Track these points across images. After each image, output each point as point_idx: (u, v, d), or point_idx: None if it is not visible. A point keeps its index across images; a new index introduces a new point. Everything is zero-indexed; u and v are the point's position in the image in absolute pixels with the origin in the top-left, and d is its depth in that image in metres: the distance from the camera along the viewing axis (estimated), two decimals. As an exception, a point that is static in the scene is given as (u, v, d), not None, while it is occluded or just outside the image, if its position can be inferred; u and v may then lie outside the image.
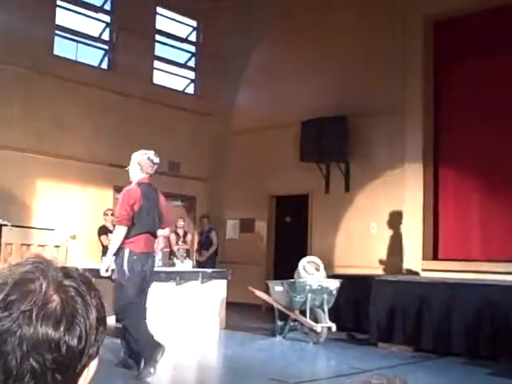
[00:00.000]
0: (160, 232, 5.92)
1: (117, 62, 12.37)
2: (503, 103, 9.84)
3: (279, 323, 8.34)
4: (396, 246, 10.57)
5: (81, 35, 12.14)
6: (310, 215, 12.01)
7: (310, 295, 7.92)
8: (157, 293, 7.86)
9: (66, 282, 0.93)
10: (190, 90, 14.14)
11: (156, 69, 13.34)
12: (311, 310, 7.97)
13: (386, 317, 7.71)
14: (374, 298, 7.95)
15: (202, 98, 13.77)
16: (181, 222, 11.39)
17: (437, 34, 10.74)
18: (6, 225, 9.88)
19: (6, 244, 9.67)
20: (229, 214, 13.28)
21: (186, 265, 10.39)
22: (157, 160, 5.85)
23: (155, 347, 5.52)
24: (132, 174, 5.83)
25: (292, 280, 8.31)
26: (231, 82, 13.54)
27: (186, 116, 13.28)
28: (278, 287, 8.30)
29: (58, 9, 11.59)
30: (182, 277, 8.43)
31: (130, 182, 5.84)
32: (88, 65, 12.17)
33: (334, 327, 7.87)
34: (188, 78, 14.16)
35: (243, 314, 10.35)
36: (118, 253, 5.62)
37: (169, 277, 8.23)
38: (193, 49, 14.20)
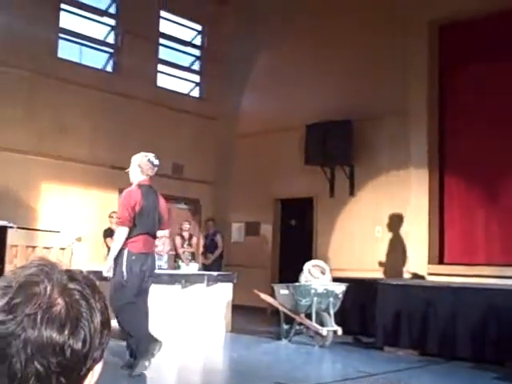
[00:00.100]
0: (160, 233, 6.00)
1: (121, 65, 12.40)
2: (508, 106, 9.82)
3: (285, 326, 8.32)
4: (401, 250, 10.54)
5: (85, 38, 12.17)
6: (314, 218, 12.00)
7: (315, 299, 7.90)
8: (162, 296, 7.87)
9: (71, 285, 0.93)
10: (195, 93, 14.16)
11: (160, 72, 13.36)
12: (317, 313, 7.95)
13: (392, 320, 7.69)
14: (379, 301, 7.92)
15: (206, 102, 13.79)
16: (186, 225, 11.39)
17: (441, 38, 10.73)
18: (11, 227, 9.90)
19: (12, 246, 9.69)
20: (234, 217, 13.28)
21: (192, 268, 10.38)
22: (157, 162, 5.93)
23: (151, 341, 5.60)
24: (132, 175, 5.91)
25: (297, 283, 8.30)
26: (236, 86, 13.55)
27: (190, 119, 13.30)
28: (283, 290, 8.29)
29: (62, 12, 11.63)
30: (187, 280, 8.43)
31: (131, 184, 5.89)
32: (92, 68, 12.20)
33: (339, 331, 7.86)
34: (192, 82, 14.18)
35: (249, 317, 10.34)
36: (118, 253, 5.69)
37: (174, 280, 8.23)
38: (197, 52, 14.22)
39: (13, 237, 9.73)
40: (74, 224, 11.01)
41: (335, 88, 11.71)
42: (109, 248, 9.83)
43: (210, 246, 11.79)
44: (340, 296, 8.08)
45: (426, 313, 7.44)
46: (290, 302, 8.12)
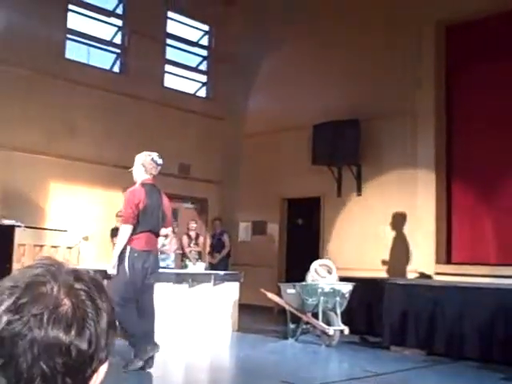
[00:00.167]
0: (163, 231, 6.08)
1: (128, 66, 12.44)
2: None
3: (291, 326, 8.32)
4: (408, 250, 10.51)
5: (93, 39, 12.21)
6: (321, 218, 12.00)
7: (322, 298, 7.90)
8: (169, 295, 7.89)
9: (77, 286, 0.93)
10: (202, 93, 14.18)
11: (167, 72, 13.39)
12: (324, 312, 7.95)
13: (399, 320, 7.67)
14: (386, 301, 7.91)
15: (213, 101, 13.80)
16: (193, 225, 11.41)
17: (449, 39, 10.69)
18: (19, 226, 9.95)
19: (19, 245, 9.74)
20: (241, 216, 13.29)
21: (199, 267, 10.39)
22: (160, 161, 5.99)
23: (149, 342, 5.63)
24: (136, 175, 5.98)
25: (304, 283, 8.29)
26: (243, 86, 13.56)
27: (197, 119, 13.31)
28: (290, 290, 8.29)
29: (70, 13, 11.67)
30: (194, 279, 8.45)
31: (135, 183, 5.97)
32: (100, 68, 12.24)
33: (346, 330, 7.84)
34: (199, 82, 14.20)
35: (255, 316, 10.34)
36: (121, 250, 5.75)
37: (181, 279, 8.25)
38: (204, 53, 14.23)
39: (20, 236, 9.78)
40: (82, 223, 11.05)
41: (342, 88, 11.69)
42: (116, 247, 9.88)
43: (216, 246, 11.80)
44: (347, 295, 8.07)
45: (433, 312, 7.42)
46: (297, 301, 8.12)
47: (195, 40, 14.11)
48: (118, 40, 12.63)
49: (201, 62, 14.22)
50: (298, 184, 12.09)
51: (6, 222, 9.96)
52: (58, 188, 11.10)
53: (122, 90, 11.95)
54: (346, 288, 8.11)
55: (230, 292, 8.86)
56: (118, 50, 12.66)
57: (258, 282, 10.25)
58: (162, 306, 7.19)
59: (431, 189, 10.40)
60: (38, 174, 10.77)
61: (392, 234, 10.80)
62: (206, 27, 14.14)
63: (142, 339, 5.67)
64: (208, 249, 12.08)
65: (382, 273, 10.54)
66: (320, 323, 7.89)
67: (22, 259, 9.41)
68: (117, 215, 10.38)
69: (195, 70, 14.16)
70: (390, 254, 10.74)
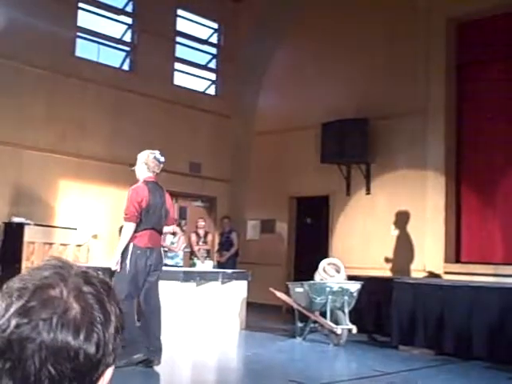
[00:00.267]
0: (165, 229, 6.14)
1: (138, 64, 12.46)
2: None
3: (299, 325, 8.32)
4: (417, 249, 10.48)
5: (103, 37, 12.24)
6: (330, 217, 11.98)
7: (330, 297, 7.88)
8: (177, 293, 7.91)
9: (86, 289, 0.92)
10: (211, 91, 14.18)
11: (177, 70, 13.40)
12: (332, 311, 7.93)
13: (408, 319, 7.65)
14: (395, 300, 7.88)
15: (223, 100, 13.80)
16: (201, 223, 11.41)
17: (459, 37, 10.62)
18: (28, 224, 10.00)
19: (29, 243, 9.79)
20: (250, 214, 13.29)
21: (207, 265, 10.40)
22: (162, 159, 6.05)
23: (139, 350, 5.61)
24: (139, 173, 6.05)
25: (312, 282, 8.28)
26: (252, 84, 13.56)
27: (206, 117, 13.33)
28: (298, 288, 8.28)
29: (80, 11, 11.70)
30: (202, 277, 8.46)
31: (138, 181, 6.03)
32: (110, 66, 12.26)
33: (354, 329, 7.82)
34: (209, 80, 14.20)
35: (263, 314, 10.35)
36: (125, 247, 5.79)
37: (189, 277, 8.26)
38: (214, 51, 14.23)
39: (30, 233, 9.83)
40: (91, 221, 11.09)
41: (351, 86, 11.67)
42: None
43: (225, 244, 11.81)
44: (355, 294, 8.06)
45: (441, 312, 7.38)
46: (305, 300, 8.11)
47: (205, 38, 14.12)
48: (127, 38, 12.65)
49: (210, 60, 14.22)
50: (307, 182, 12.08)
51: (16, 219, 10.03)
52: (67, 186, 11.14)
53: (131, 88, 11.98)
54: (355, 287, 8.09)
55: (238, 290, 8.87)
56: (128, 48, 12.69)
57: (266, 280, 10.25)
58: (170, 304, 7.21)
59: (441, 188, 10.35)
60: (49, 172, 10.81)
61: (401, 233, 10.77)
62: (215, 25, 14.14)
63: (136, 344, 5.65)
64: (216, 247, 12.10)
65: (390, 272, 10.52)
66: (328, 322, 7.87)
67: (32, 257, 9.45)
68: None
69: (205, 67, 14.17)
70: (399, 253, 10.71)
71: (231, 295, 8.78)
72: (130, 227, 5.76)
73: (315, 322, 8.19)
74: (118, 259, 5.77)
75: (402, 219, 10.75)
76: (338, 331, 7.78)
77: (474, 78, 10.47)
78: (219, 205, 13.58)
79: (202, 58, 14.14)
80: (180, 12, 13.38)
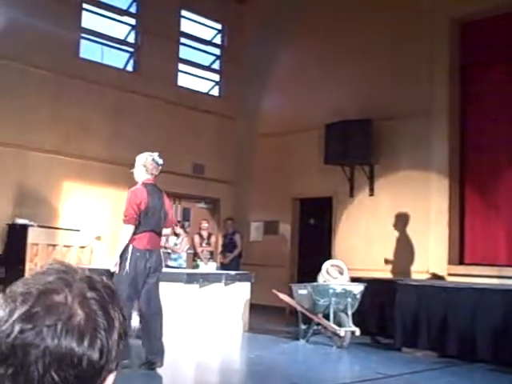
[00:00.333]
0: (165, 231, 6.17)
1: (142, 65, 12.47)
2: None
3: (302, 327, 8.30)
4: (420, 250, 10.46)
5: (106, 38, 12.25)
6: (333, 218, 11.96)
7: (333, 299, 7.87)
8: (180, 294, 7.91)
9: (90, 295, 0.92)
10: (215, 92, 14.18)
11: (181, 71, 13.41)
12: (335, 313, 7.92)
13: (411, 321, 7.63)
14: (398, 302, 7.87)
15: (226, 101, 13.80)
16: (205, 224, 11.41)
17: (463, 38, 10.60)
18: (31, 225, 10.01)
19: (32, 244, 9.80)
20: (253, 216, 13.29)
21: (210, 267, 10.40)
22: (161, 161, 6.08)
23: (129, 355, 5.58)
24: (137, 175, 6.07)
25: (315, 283, 8.27)
26: (256, 85, 13.56)
27: (210, 118, 13.33)
28: (301, 290, 8.27)
29: (83, 12, 11.72)
30: (205, 279, 8.46)
31: (136, 183, 6.05)
32: (113, 67, 12.27)
33: (357, 331, 7.81)
34: (212, 81, 14.20)
35: (266, 316, 10.34)
36: (124, 249, 5.81)
37: (192, 279, 8.26)
38: (217, 51, 14.23)
39: (33, 235, 9.84)
40: (94, 223, 11.10)
41: (355, 87, 11.65)
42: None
43: (228, 246, 11.80)
44: (358, 296, 8.04)
45: (445, 314, 7.37)
46: (308, 301, 8.10)
47: (208, 39, 14.13)
48: (131, 39, 12.66)
49: (214, 61, 14.23)
50: (310, 184, 12.07)
51: (20, 221, 10.04)
52: (71, 188, 11.15)
53: (135, 89, 11.99)
54: (358, 289, 8.08)
55: (241, 292, 8.86)
56: (132, 49, 12.70)
57: (269, 282, 10.25)
58: (173, 306, 7.21)
59: (444, 189, 10.33)
60: (53, 174, 10.82)
61: (404, 234, 10.75)
62: (219, 26, 14.14)
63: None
64: (220, 248, 12.09)
65: (393, 274, 10.50)
66: (331, 324, 7.86)
67: (35, 259, 9.46)
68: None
69: (208, 69, 14.18)
70: (402, 255, 10.68)
71: (234, 297, 8.77)
72: (129, 229, 5.77)
73: (318, 324, 8.18)
74: (117, 261, 5.78)
75: (405, 220, 10.73)
76: (341, 333, 7.77)
77: (478, 80, 10.44)
78: (222, 206, 13.58)
79: (206, 59, 14.15)
80: (184, 13, 13.39)
